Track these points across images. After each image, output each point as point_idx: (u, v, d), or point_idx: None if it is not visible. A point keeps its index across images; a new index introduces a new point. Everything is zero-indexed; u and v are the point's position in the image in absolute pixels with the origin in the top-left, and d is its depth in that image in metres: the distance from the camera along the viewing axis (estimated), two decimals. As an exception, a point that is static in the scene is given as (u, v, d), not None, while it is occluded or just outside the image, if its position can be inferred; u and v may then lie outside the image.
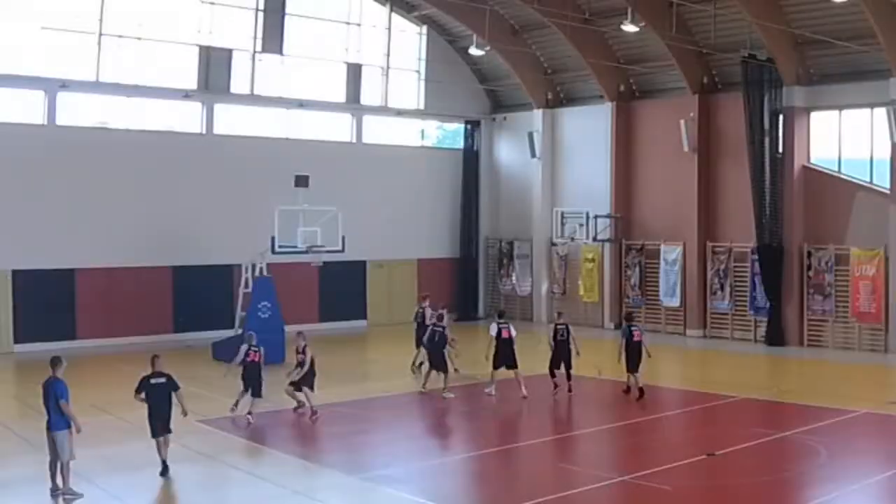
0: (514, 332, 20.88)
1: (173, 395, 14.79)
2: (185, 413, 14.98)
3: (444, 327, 21.32)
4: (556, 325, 21.40)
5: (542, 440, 17.41)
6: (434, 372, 21.09)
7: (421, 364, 22.81)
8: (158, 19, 29.39)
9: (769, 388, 21.74)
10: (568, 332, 21.18)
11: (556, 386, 21.05)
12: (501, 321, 21.06)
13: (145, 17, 29.12)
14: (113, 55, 28.76)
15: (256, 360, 18.31)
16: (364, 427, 18.60)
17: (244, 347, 18.46)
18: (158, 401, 14.67)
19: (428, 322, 22.51)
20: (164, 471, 14.52)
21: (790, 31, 26.78)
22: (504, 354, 20.64)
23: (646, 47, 30.49)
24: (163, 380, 14.75)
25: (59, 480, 13.39)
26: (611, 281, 32.65)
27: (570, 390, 20.96)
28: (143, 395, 14.64)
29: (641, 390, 20.53)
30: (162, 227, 29.29)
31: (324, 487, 14.39)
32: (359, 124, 34.03)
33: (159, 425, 14.63)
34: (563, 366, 21.09)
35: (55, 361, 13.74)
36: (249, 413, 18.13)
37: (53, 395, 13.37)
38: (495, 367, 20.72)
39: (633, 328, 21.08)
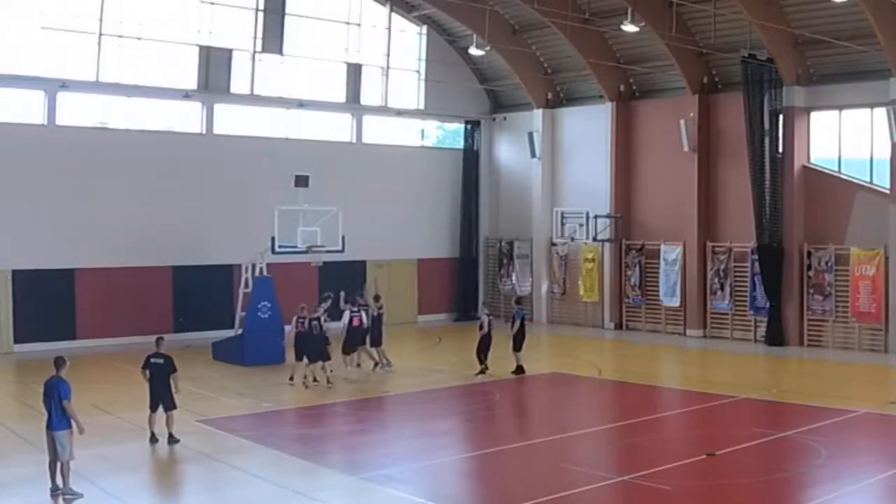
0: (366, 321, 23.30)
1: (170, 376, 16.39)
2: (177, 390, 16.54)
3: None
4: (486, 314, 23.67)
5: (542, 440, 17.40)
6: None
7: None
8: (158, 19, 29.38)
9: (769, 388, 21.73)
10: (490, 325, 23.25)
11: (482, 371, 22.95)
12: (354, 310, 23.36)
13: (145, 17, 29.13)
14: (113, 55, 28.77)
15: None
16: (364, 427, 18.61)
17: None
18: (156, 379, 16.42)
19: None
20: (172, 440, 16.28)
21: (790, 31, 26.78)
22: (353, 340, 23.25)
23: (646, 47, 30.48)
24: (161, 360, 16.46)
25: (59, 480, 13.39)
26: (611, 281, 32.64)
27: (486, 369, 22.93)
28: (147, 373, 16.47)
29: (521, 368, 23.06)
30: (162, 227, 29.28)
31: (324, 487, 14.38)
32: (359, 124, 34.03)
33: (157, 401, 16.35)
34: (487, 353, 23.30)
35: (59, 361, 13.82)
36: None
37: (56, 394, 13.44)
38: (345, 352, 23.28)
39: (524, 314, 24.00)
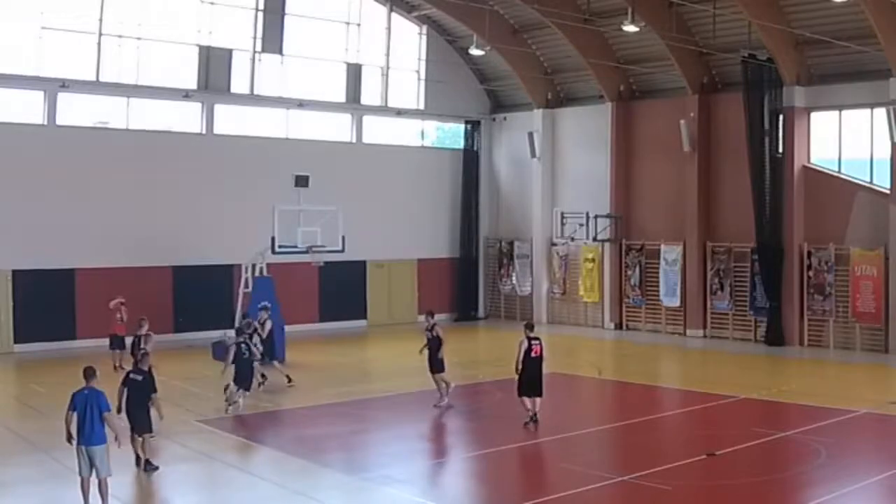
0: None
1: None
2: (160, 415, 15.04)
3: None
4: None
5: (542, 440, 17.39)
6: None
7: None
8: (158, 19, 29.40)
9: (769, 388, 21.74)
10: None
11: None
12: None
13: (145, 17, 29.15)
14: (113, 55, 28.78)
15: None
16: (364, 427, 18.60)
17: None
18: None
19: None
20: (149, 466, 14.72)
21: (790, 31, 26.78)
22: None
23: (646, 47, 30.48)
24: (140, 377, 14.86)
25: (92, 502, 12.61)
26: (611, 281, 32.62)
27: None
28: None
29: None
30: (162, 227, 29.28)
31: (324, 487, 14.38)
32: (359, 124, 34.03)
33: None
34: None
35: (91, 372, 12.96)
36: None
37: (97, 406, 12.55)
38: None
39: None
